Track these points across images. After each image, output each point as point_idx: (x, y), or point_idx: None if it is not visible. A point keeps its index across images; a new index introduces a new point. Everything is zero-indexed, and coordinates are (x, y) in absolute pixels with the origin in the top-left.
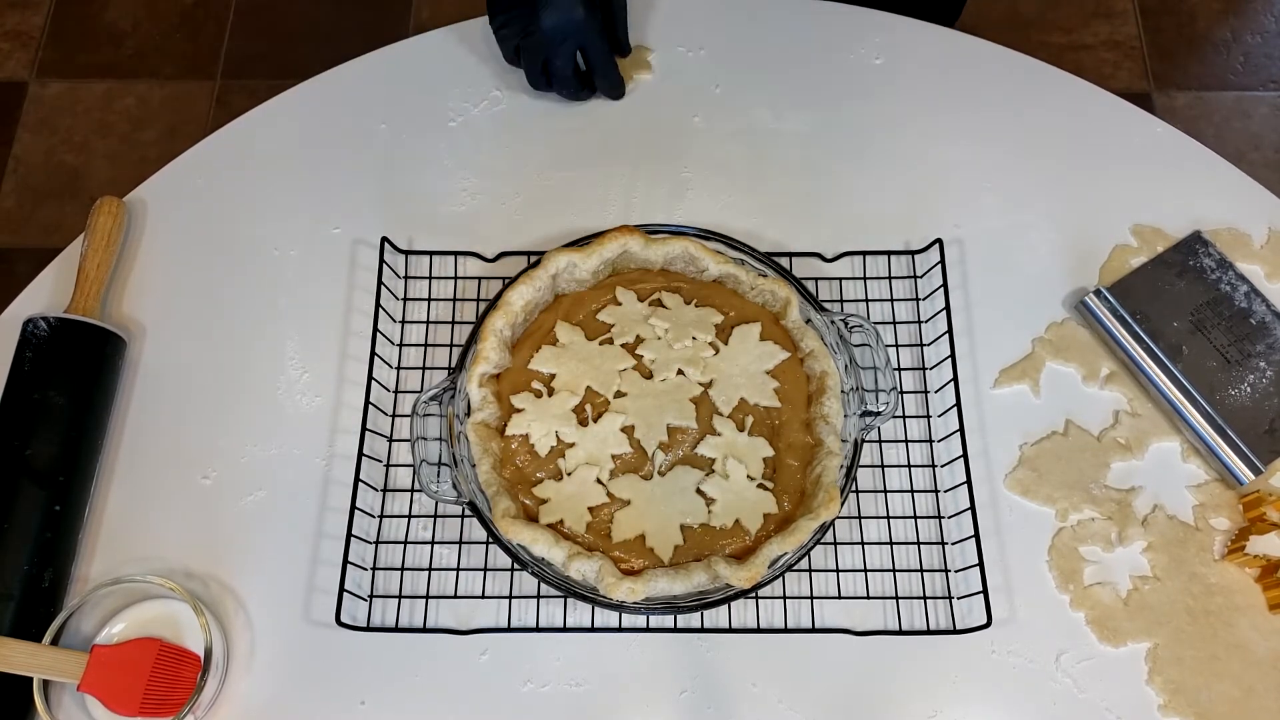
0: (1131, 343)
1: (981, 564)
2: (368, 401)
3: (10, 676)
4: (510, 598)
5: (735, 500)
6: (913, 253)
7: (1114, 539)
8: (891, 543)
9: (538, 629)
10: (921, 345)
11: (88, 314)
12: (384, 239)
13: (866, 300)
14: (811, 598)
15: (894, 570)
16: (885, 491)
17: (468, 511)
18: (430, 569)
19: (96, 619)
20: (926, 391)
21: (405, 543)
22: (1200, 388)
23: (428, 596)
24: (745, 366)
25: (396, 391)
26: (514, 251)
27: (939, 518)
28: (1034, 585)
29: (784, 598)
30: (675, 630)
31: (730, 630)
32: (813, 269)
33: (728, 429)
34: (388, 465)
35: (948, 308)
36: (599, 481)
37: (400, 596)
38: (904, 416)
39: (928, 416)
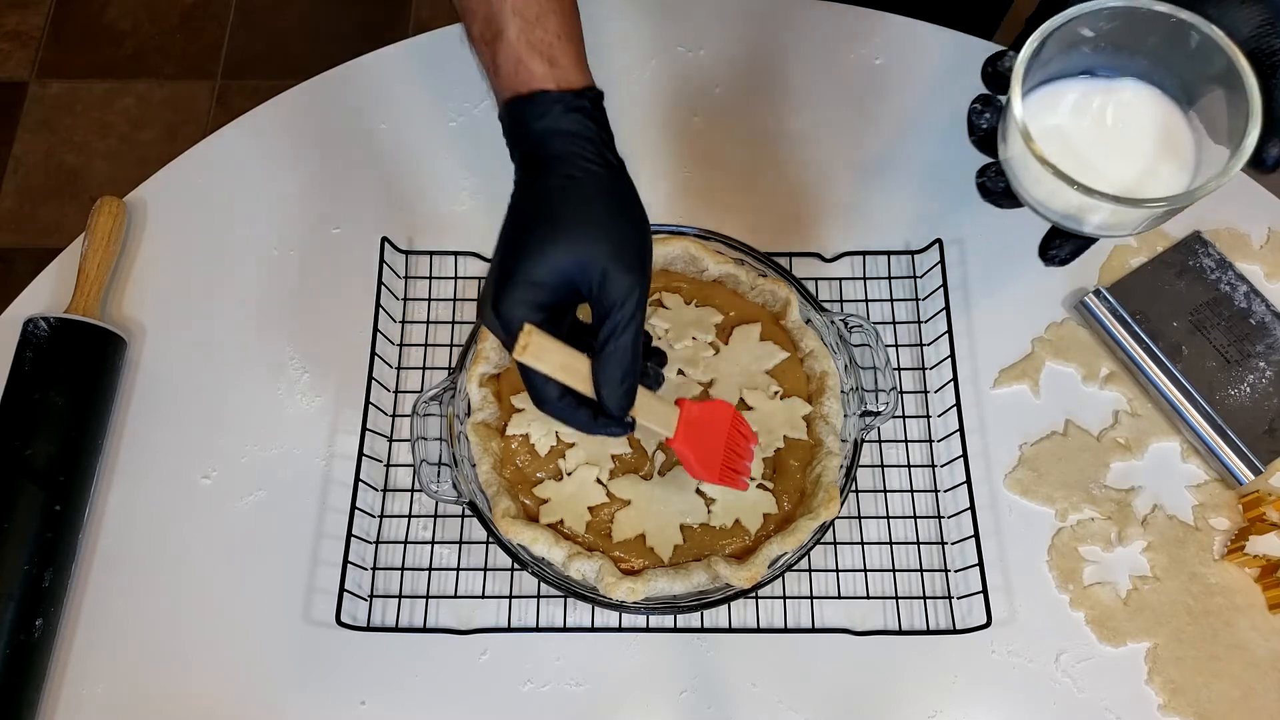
0: (1131, 343)
1: (981, 564)
2: (368, 401)
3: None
4: (510, 598)
5: (735, 500)
6: (912, 253)
7: (1114, 539)
8: (891, 543)
9: (538, 629)
10: (921, 345)
11: (88, 314)
12: (384, 239)
13: (866, 300)
14: (811, 598)
15: (894, 570)
16: (885, 491)
17: (468, 511)
18: (430, 569)
19: None
20: (926, 391)
21: (405, 543)
22: (1200, 388)
23: (428, 596)
24: (745, 366)
25: (396, 391)
26: None
27: (939, 518)
28: (1034, 585)
29: (784, 598)
30: (675, 630)
31: (730, 630)
32: (812, 269)
33: None
34: (388, 465)
35: (947, 308)
36: (599, 481)
37: (400, 596)
38: (904, 416)
39: (927, 416)
